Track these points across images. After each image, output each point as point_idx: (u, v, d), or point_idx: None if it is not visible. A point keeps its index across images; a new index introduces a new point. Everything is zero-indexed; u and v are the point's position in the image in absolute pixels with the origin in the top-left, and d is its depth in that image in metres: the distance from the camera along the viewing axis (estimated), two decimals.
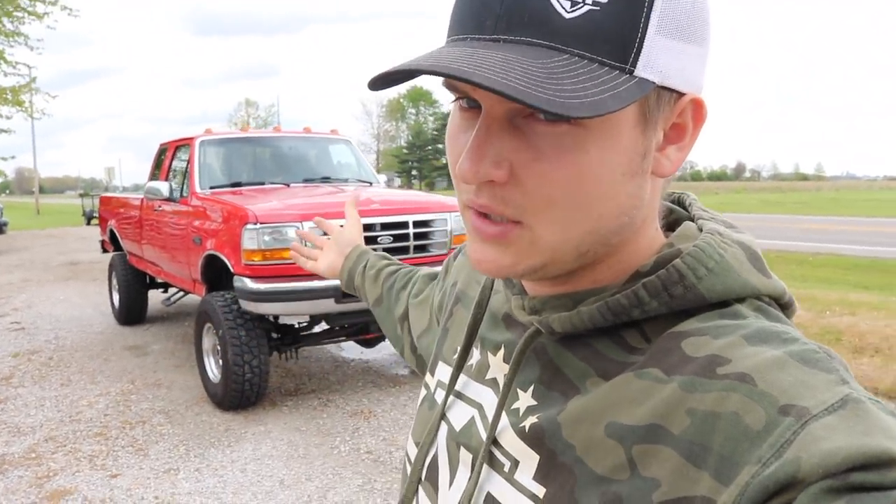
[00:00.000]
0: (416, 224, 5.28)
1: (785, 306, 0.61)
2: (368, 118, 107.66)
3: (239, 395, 4.92)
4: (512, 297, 0.69)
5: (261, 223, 4.79)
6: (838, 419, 0.44)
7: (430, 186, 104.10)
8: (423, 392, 0.85)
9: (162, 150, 7.26)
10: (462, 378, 0.75)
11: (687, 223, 0.63)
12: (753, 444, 0.46)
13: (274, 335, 5.31)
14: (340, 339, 5.67)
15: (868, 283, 9.36)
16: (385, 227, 5.14)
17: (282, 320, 5.38)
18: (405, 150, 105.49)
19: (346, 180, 6.65)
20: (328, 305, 4.82)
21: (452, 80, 0.55)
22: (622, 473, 0.52)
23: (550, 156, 0.52)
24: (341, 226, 1.35)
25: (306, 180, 6.39)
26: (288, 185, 6.18)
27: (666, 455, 0.50)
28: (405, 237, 5.23)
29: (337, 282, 5.01)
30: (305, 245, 1.42)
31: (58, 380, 6.01)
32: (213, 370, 5.21)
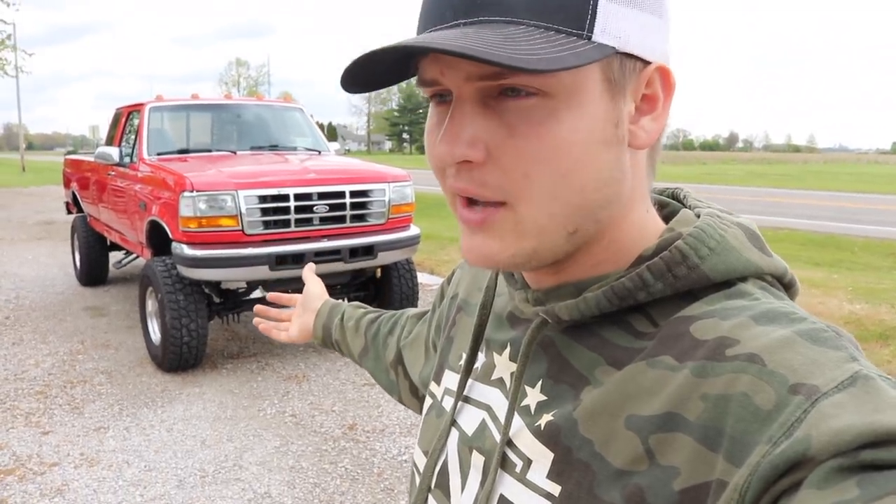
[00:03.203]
0: (353, 194, 5.39)
1: (788, 286, 0.62)
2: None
3: (177, 357, 5.07)
4: (515, 292, 0.68)
5: (197, 191, 4.90)
6: (848, 396, 0.44)
7: (421, 150, 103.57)
8: (429, 401, 0.83)
9: (117, 116, 7.32)
10: (469, 382, 0.75)
11: (684, 210, 0.64)
12: (764, 424, 0.46)
13: (216, 300, 5.45)
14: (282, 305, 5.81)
15: (820, 260, 9.52)
16: (322, 196, 5.25)
17: (224, 285, 5.51)
18: (396, 114, 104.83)
19: (294, 148, 6.73)
20: (263, 272, 4.96)
21: (423, 73, 0.57)
22: (641, 464, 0.52)
23: (523, 130, 0.53)
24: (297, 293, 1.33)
25: (254, 148, 6.48)
26: (234, 153, 6.28)
27: (682, 442, 0.50)
28: (342, 206, 5.34)
29: (273, 249, 5.20)
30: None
31: (10, 339, 6.15)
32: (156, 332, 5.35)
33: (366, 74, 0.57)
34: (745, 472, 0.45)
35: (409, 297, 5.96)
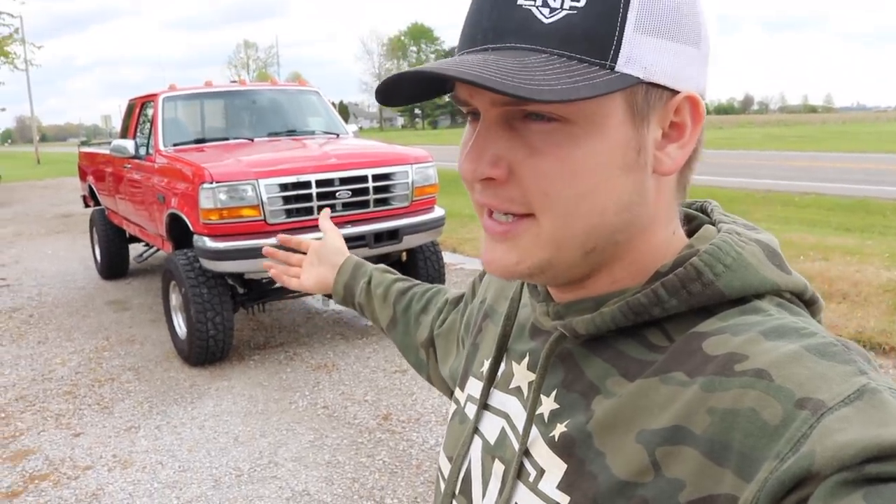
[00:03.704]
0: (376, 178, 5.27)
1: (809, 303, 0.62)
2: (369, 57, 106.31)
3: (204, 351, 5.00)
4: (537, 304, 0.70)
5: (216, 182, 4.79)
6: (854, 411, 0.45)
7: (434, 126, 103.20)
8: (454, 407, 0.85)
9: (130, 107, 7.21)
10: (490, 390, 0.76)
11: (707, 226, 0.65)
12: (771, 440, 0.46)
13: (240, 290, 5.36)
14: (306, 293, 5.72)
15: (850, 225, 9.30)
16: (344, 181, 5.13)
17: (247, 276, 5.43)
18: None
19: (312, 133, 6.60)
20: None
21: (457, 94, 0.59)
22: (647, 476, 0.53)
23: (543, 151, 0.55)
24: (318, 238, 1.26)
25: (271, 134, 6.36)
26: (252, 141, 6.15)
27: (688, 455, 0.51)
28: (365, 191, 5.23)
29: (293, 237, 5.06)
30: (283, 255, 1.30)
31: (35, 338, 6.11)
32: (181, 327, 5.28)
33: (401, 91, 0.59)
34: (754, 487, 0.45)
35: (436, 279, 5.85)
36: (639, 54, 0.53)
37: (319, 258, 1.23)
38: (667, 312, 0.58)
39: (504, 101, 0.55)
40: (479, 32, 0.56)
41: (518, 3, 0.54)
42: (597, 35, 0.52)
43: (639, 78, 0.54)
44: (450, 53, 0.64)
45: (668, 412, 0.54)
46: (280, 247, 1.33)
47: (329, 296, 1.24)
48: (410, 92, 0.60)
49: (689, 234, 0.66)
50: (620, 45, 0.53)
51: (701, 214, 0.70)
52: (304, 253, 1.28)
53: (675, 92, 0.57)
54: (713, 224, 0.66)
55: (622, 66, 0.53)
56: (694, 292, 0.57)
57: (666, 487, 0.51)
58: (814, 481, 0.43)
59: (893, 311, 5.38)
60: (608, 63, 0.53)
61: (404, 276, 1.19)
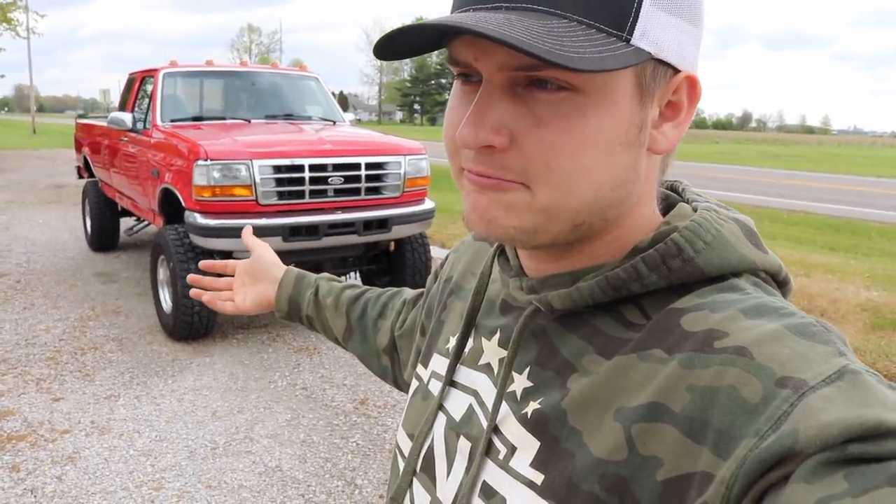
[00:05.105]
0: (369, 166, 5.32)
1: (781, 283, 0.62)
2: (372, 48, 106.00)
3: (188, 326, 5.04)
4: (510, 279, 0.68)
5: (211, 160, 4.84)
6: (836, 390, 0.44)
7: (432, 122, 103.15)
8: (415, 384, 0.83)
9: (130, 81, 7.23)
10: (457, 367, 0.75)
11: (682, 204, 0.64)
12: (751, 418, 0.46)
13: None
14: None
15: (836, 245, 9.41)
16: (337, 167, 5.19)
17: (235, 255, 5.47)
18: (408, 84, 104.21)
19: (309, 118, 6.65)
20: (276, 243, 4.89)
21: (455, 54, 0.56)
22: (623, 454, 0.52)
23: (550, 122, 0.53)
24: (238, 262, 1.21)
25: (268, 116, 6.40)
26: (249, 122, 6.20)
27: (667, 433, 0.50)
28: (357, 179, 5.28)
29: (287, 220, 5.15)
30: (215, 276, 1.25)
31: (21, 303, 6.13)
32: (167, 301, 5.32)
33: (398, 43, 0.56)
34: (731, 465, 0.45)
35: (422, 271, 5.91)
36: (652, 29, 0.53)
37: (254, 276, 1.18)
38: (646, 288, 0.58)
39: (515, 65, 0.53)
40: None
41: None
42: (617, 5, 0.52)
43: (650, 54, 0.53)
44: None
45: (646, 389, 0.53)
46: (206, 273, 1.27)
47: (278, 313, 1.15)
48: (407, 45, 0.57)
49: (664, 212, 0.66)
50: (638, 18, 0.52)
51: (672, 193, 0.70)
52: (232, 276, 1.22)
53: (676, 71, 0.57)
54: (686, 202, 0.66)
55: (637, 39, 0.52)
56: (674, 268, 0.57)
57: (644, 465, 0.51)
58: (795, 460, 0.43)
59: (869, 329, 5.47)
60: (624, 35, 0.52)
61: (353, 284, 1.14)
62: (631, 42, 0.52)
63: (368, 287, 1.13)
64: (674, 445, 0.49)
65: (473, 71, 0.56)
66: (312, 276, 1.15)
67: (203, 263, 1.24)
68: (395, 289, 1.11)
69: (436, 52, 0.59)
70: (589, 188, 0.56)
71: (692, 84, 0.58)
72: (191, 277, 1.23)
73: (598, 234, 0.60)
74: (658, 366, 0.53)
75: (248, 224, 1.24)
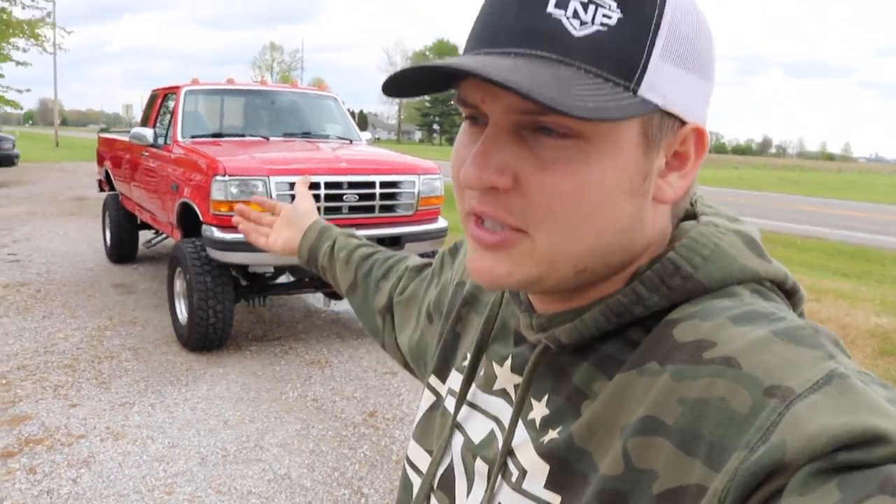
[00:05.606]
0: (383, 185, 5.43)
1: (790, 293, 0.61)
2: (393, 69, 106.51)
3: (203, 337, 5.15)
4: (520, 314, 0.69)
5: (229, 175, 4.97)
6: (823, 397, 0.45)
7: (451, 142, 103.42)
8: (432, 398, 0.83)
9: (153, 97, 7.42)
10: (472, 388, 0.75)
11: (684, 224, 0.63)
12: (741, 429, 0.46)
13: (243, 283, 5.52)
14: (308, 290, 5.88)
15: (848, 271, 9.40)
16: (352, 185, 5.30)
17: (251, 269, 5.58)
18: (427, 104, 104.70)
19: (326, 136, 6.79)
20: (291, 258, 5.01)
21: (464, 95, 0.57)
22: (617, 468, 0.53)
23: (554, 167, 0.54)
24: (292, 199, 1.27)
25: (286, 134, 6.55)
26: (267, 139, 6.34)
27: (661, 446, 0.50)
28: (371, 196, 5.39)
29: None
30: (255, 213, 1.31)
31: (41, 312, 6.27)
32: (183, 312, 5.43)
33: (408, 82, 0.57)
34: (724, 477, 0.45)
35: None
36: (660, 81, 0.53)
37: (289, 221, 1.24)
38: (648, 310, 0.58)
39: (521, 109, 0.54)
40: (503, 33, 0.54)
41: (548, 10, 0.52)
42: (625, 57, 0.52)
43: (657, 105, 0.54)
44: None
45: (642, 404, 0.53)
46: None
47: (332, 295, 1.26)
48: (417, 85, 0.58)
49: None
50: (646, 70, 0.53)
51: (690, 207, 0.69)
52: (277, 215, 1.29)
53: (683, 122, 0.57)
54: (695, 217, 0.65)
55: (644, 91, 0.53)
56: (674, 286, 0.57)
57: (640, 479, 0.51)
58: (786, 472, 0.43)
59: (878, 354, 5.50)
60: (632, 86, 0.52)
61: (368, 242, 1.19)
62: (638, 93, 0.52)
63: (381, 248, 1.17)
64: (668, 458, 0.50)
65: (481, 113, 0.57)
66: (336, 230, 1.21)
67: (255, 198, 1.34)
68: (404, 253, 1.14)
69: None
70: (589, 233, 0.56)
71: (700, 136, 0.58)
72: (239, 208, 1.32)
73: (604, 277, 0.61)
74: (653, 379, 0.54)
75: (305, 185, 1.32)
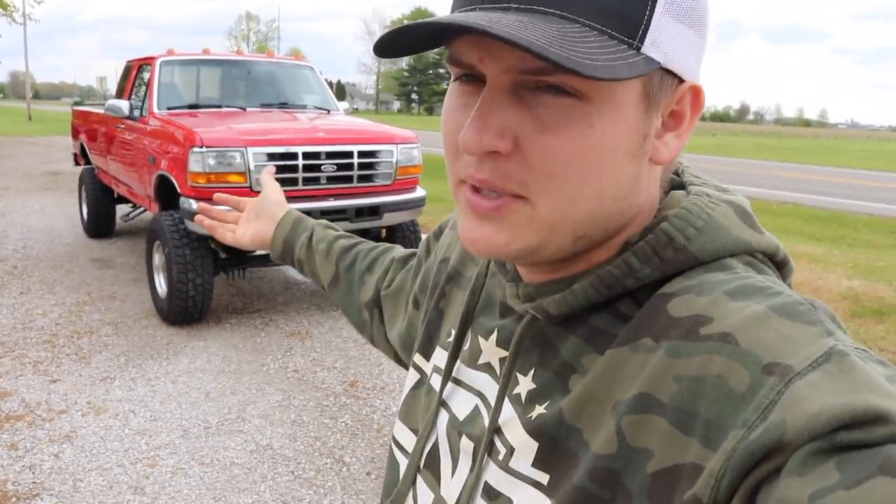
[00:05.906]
0: (361, 154, 5.43)
1: (780, 265, 0.60)
2: (370, 38, 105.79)
3: (182, 310, 5.15)
4: (506, 283, 0.67)
5: (206, 146, 4.94)
6: (822, 375, 0.44)
7: (429, 111, 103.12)
8: (416, 375, 0.82)
9: (127, 68, 7.32)
10: (457, 364, 0.74)
11: (673, 193, 0.62)
12: (738, 408, 0.45)
13: (222, 255, 5.51)
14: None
15: (822, 236, 9.54)
16: (329, 155, 5.29)
17: None
18: (406, 73, 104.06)
19: (304, 107, 6.76)
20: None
21: (458, 54, 0.54)
22: (615, 447, 0.52)
23: (555, 128, 0.52)
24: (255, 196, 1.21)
25: (263, 105, 6.50)
26: (244, 110, 6.30)
27: (656, 424, 0.49)
28: (349, 167, 5.38)
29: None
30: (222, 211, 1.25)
31: (18, 288, 6.23)
32: (162, 286, 5.42)
33: (399, 42, 0.54)
34: (721, 456, 0.44)
35: None
36: (662, 38, 0.52)
37: (257, 213, 1.18)
38: (640, 282, 0.56)
39: (523, 69, 0.51)
40: None
41: None
42: (630, 12, 0.50)
43: (659, 63, 0.52)
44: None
45: (637, 381, 0.52)
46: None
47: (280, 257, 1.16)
48: (407, 44, 0.55)
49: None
50: (649, 26, 0.51)
51: (674, 177, 0.67)
52: (242, 211, 1.23)
53: (681, 80, 0.55)
54: (683, 187, 0.64)
55: (647, 48, 0.51)
56: (666, 258, 0.55)
57: (634, 458, 0.50)
58: (785, 451, 0.42)
59: (849, 317, 5.60)
60: (635, 43, 0.50)
61: (348, 233, 1.14)
62: (641, 50, 0.50)
63: (361, 239, 1.12)
64: (663, 437, 0.49)
65: (476, 72, 0.54)
66: (311, 220, 1.15)
67: (217, 196, 1.27)
68: (387, 244, 1.10)
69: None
70: (591, 198, 0.54)
71: (696, 94, 0.57)
72: (200, 206, 1.26)
73: (598, 244, 0.59)
74: (647, 355, 0.52)
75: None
